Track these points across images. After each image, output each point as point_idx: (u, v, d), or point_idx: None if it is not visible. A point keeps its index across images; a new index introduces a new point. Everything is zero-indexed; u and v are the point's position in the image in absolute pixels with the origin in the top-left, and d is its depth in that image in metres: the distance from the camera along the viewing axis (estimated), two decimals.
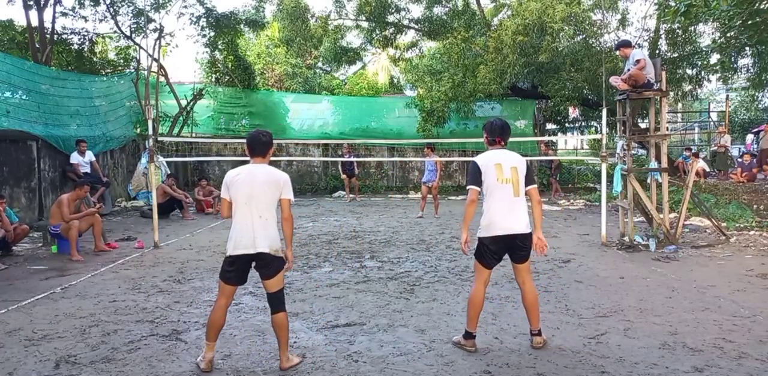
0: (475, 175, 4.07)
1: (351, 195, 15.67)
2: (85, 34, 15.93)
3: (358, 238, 9.10)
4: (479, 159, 4.11)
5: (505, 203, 4.02)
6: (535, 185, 4.19)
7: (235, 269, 3.76)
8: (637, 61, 7.70)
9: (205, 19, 16.55)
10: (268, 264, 3.74)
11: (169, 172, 13.59)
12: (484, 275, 4.12)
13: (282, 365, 3.76)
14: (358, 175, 16.24)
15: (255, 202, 3.72)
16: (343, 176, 15.54)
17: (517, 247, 4.05)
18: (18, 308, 5.17)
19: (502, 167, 4.03)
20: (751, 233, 9.07)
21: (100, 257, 7.61)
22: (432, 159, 11.64)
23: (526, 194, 4.10)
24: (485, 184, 4.05)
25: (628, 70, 7.90)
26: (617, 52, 8.71)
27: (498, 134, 4.20)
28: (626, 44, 8.32)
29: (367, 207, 13.77)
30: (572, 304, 5.20)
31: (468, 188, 4.11)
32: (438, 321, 4.73)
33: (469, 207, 4.08)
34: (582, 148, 24.07)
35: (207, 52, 18.18)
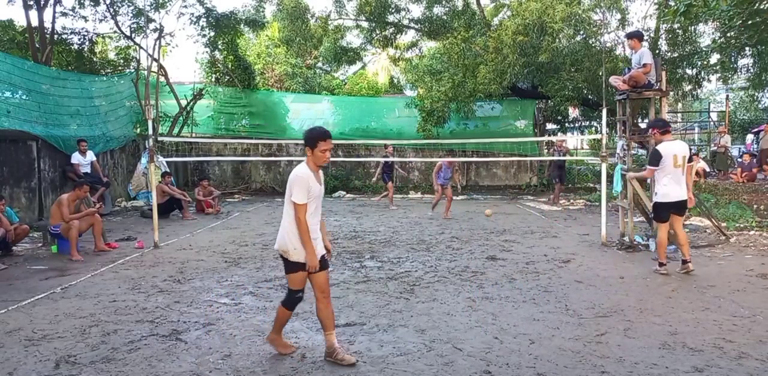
0: (656, 159, 6.25)
1: (386, 198, 13.84)
2: (85, 34, 15.95)
3: (358, 238, 9.10)
4: (662, 148, 6.24)
5: (677, 179, 6.24)
6: (692, 163, 6.80)
7: None
8: (644, 65, 7.64)
9: (205, 19, 16.56)
10: (284, 261, 3.87)
11: (166, 170, 13.58)
12: (665, 226, 6.47)
13: (267, 338, 4.08)
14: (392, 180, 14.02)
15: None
16: (389, 183, 13.49)
17: (682, 206, 6.40)
18: (18, 308, 5.17)
19: (677, 157, 6.20)
20: (751, 233, 9.07)
21: (100, 257, 7.61)
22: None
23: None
24: (663, 166, 6.21)
25: (630, 68, 7.88)
26: (628, 42, 8.47)
27: (668, 125, 6.55)
28: (638, 36, 8.07)
29: (367, 207, 13.78)
30: (572, 304, 5.20)
31: (648, 167, 6.43)
32: (438, 321, 4.73)
33: (646, 177, 7.03)
34: (582, 148, 24.07)
35: (207, 52, 18.20)
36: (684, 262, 6.38)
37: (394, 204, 13.69)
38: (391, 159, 13.57)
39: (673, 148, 6.23)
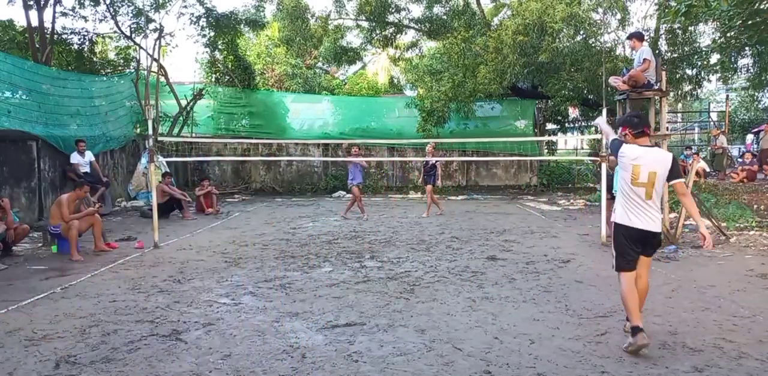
0: (615, 149, 4.22)
1: (438, 210, 12.04)
2: (85, 34, 15.96)
3: (358, 238, 9.10)
4: (626, 147, 4.16)
5: (637, 204, 4.12)
6: (682, 179, 4.24)
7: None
8: (644, 60, 7.66)
9: (205, 19, 16.57)
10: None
11: (167, 171, 13.59)
12: (631, 276, 4.19)
13: None
14: (435, 184, 11.94)
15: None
16: (428, 186, 11.73)
17: (649, 243, 4.19)
18: (18, 308, 5.17)
19: (640, 169, 4.08)
20: (751, 233, 9.07)
21: (100, 257, 7.61)
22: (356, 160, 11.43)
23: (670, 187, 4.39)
24: (620, 182, 4.21)
25: (630, 69, 7.90)
26: (629, 42, 8.55)
27: (646, 124, 4.27)
28: (638, 36, 8.15)
29: (367, 207, 13.77)
30: (572, 304, 5.20)
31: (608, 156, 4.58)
32: (438, 321, 4.73)
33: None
34: (582, 148, 24.07)
35: (207, 52, 18.20)
36: (637, 331, 3.91)
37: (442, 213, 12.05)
38: (431, 159, 11.73)
39: (642, 157, 4.08)
